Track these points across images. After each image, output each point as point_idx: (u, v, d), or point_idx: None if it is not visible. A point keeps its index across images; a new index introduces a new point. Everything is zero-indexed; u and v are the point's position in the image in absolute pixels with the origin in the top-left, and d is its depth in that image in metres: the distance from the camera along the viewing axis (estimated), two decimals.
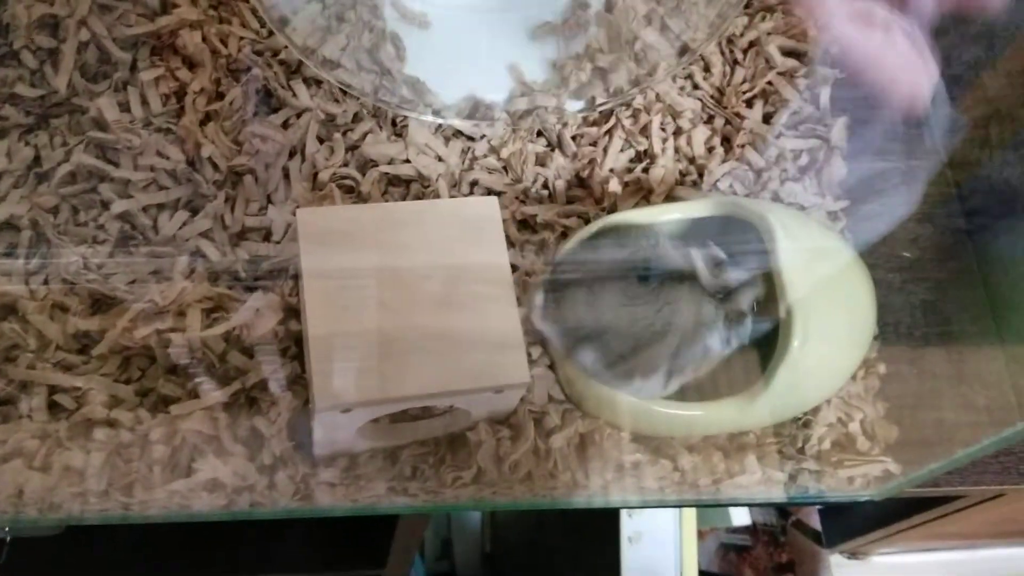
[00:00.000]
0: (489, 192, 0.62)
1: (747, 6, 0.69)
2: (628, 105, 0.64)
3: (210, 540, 0.74)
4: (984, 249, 0.65)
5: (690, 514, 0.78)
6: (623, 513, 0.77)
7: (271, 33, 0.61)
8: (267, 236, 0.57)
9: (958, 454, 0.52)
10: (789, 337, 0.52)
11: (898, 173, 0.65)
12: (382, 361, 0.47)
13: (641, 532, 0.77)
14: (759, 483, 0.56)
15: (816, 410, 0.58)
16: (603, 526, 0.78)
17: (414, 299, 0.49)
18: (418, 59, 0.62)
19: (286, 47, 0.61)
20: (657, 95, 0.65)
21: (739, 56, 0.68)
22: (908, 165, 0.65)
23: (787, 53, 0.68)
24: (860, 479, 0.57)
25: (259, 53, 0.62)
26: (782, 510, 0.84)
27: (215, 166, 0.58)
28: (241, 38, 0.62)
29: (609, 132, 0.64)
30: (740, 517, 0.85)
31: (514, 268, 0.59)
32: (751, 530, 0.85)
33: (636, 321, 0.54)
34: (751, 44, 0.68)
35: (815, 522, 0.81)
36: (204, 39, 0.61)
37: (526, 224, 0.61)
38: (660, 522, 0.77)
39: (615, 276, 0.56)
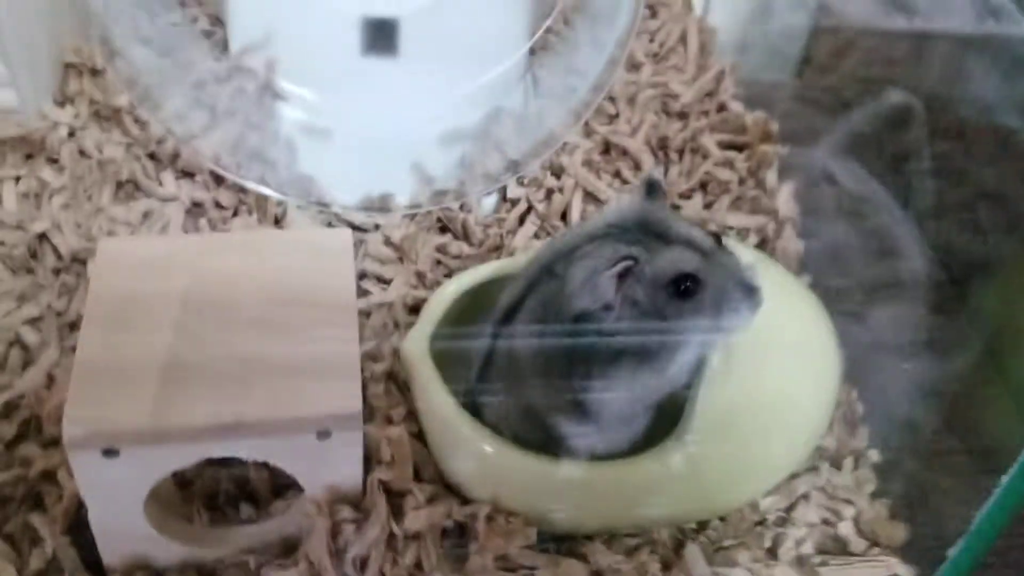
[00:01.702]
0: (380, 281, 0.53)
1: (681, 114, 0.63)
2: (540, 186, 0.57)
3: None
4: (973, 307, 0.54)
5: None
6: None
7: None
8: None
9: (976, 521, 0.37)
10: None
11: (866, 239, 0.54)
12: (162, 387, 0.36)
13: None
14: None
15: (791, 508, 0.43)
16: None
17: (225, 324, 0.39)
18: (311, 160, 0.57)
19: (159, 143, 0.56)
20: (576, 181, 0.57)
21: (673, 156, 0.61)
22: (876, 228, 0.54)
23: (726, 146, 0.61)
24: None
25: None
26: None
27: (58, 254, 0.51)
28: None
29: (521, 218, 0.56)
30: None
31: (397, 352, 0.48)
32: None
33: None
34: (685, 143, 0.61)
35: None
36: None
37: (418, 311, 0.51)
38: None
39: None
